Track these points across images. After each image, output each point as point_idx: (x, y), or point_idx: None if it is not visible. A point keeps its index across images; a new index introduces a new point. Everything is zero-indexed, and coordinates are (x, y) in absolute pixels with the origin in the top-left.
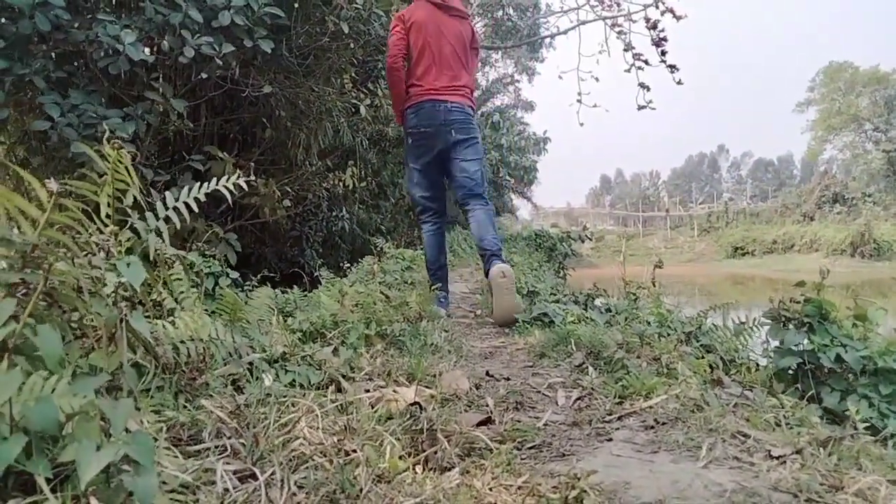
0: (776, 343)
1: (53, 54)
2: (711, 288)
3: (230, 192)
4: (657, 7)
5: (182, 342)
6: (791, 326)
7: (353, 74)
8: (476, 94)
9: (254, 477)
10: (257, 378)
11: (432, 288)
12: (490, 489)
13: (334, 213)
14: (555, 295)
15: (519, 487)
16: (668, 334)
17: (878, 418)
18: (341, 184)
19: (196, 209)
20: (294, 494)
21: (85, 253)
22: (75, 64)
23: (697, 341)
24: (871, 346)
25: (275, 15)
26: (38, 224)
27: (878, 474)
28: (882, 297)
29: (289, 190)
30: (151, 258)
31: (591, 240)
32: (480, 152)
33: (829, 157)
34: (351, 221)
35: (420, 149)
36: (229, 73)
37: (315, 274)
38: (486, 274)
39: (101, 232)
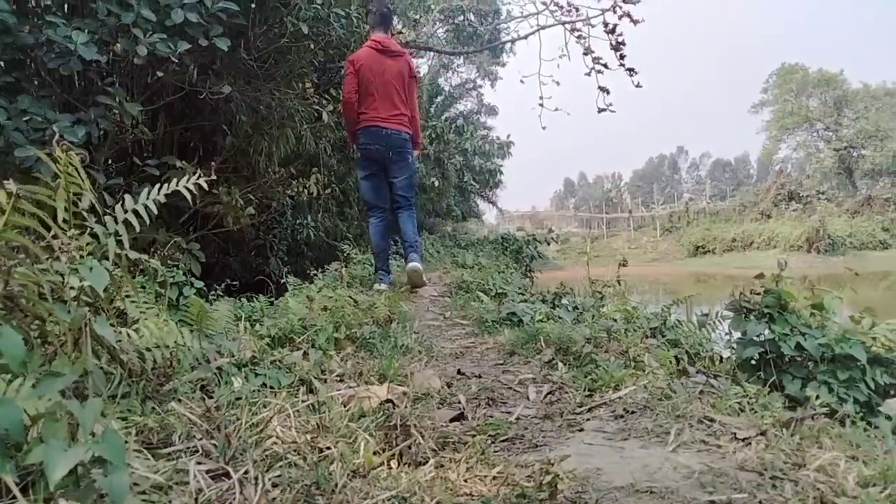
0: (738, 334)
1: (1, 61)
2: (675, 286)
3: (192, 193)
4: (615, 12)
5: (147, 349)
6: (752, 317)
7: (314, 79)
8: (419, 118)
9: (227, 476)
10: (226, 382)
11: (377, 267)
12: (465, 480)
13: (299, 221)
14: (523, 295)
15: (493, 478)
16: (635, 330)
17: (836, 403)
18: (305, 191)
19: (156, 212)
20: (268, 491)
21: (46, 257)
22: (25, 71)
23: (663, 336)
24: (828, 333)
25: (231, 11)
26: None
27: (838, 451)
28: (838, 287)
29: (252, 198)
30: (111, 263)
31: (556, 242)
32: (412, 168)
33: (783, 156)
34: (316, 229)
35: (368, 161)
36: (187, 76)
37: (282, 281)
38: (406, 260)
39: (59, 237)
